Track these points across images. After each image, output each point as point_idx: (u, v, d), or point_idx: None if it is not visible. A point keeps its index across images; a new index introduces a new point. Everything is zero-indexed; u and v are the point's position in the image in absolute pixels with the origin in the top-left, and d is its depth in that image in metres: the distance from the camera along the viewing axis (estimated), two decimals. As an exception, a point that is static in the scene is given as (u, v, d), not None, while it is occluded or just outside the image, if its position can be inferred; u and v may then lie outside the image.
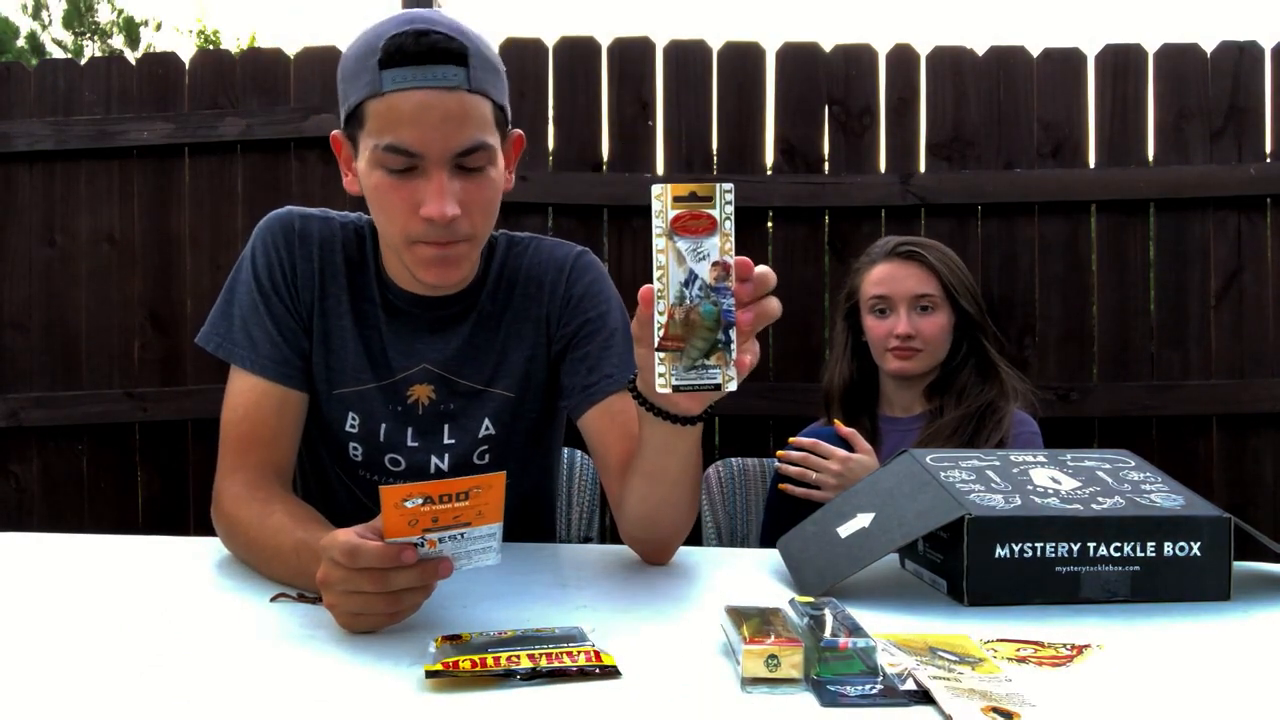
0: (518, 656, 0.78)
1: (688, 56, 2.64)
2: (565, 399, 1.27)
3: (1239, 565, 1.03)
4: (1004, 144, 2.60)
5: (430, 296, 1.25)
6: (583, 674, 0.77)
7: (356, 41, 1.12)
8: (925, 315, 1.86)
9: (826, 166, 2.65)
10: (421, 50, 1.05)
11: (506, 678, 0.76)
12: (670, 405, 0.93)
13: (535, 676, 0.76)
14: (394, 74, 1.06)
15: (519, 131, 1.22)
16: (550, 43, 2.64)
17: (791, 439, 1.75)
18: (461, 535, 0.85)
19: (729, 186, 0.85)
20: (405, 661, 0.80)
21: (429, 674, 0.76)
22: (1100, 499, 1.03)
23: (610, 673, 0.77)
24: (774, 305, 0.87)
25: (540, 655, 0.78)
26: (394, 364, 1.26)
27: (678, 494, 1.08)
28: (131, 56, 2.94)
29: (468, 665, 0.77)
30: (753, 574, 1.13)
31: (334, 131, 1.18)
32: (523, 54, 2.64)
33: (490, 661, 0.77)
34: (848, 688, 0.73)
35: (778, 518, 1.79)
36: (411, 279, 1.22)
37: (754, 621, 0.80)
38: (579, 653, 0.79)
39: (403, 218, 1.11)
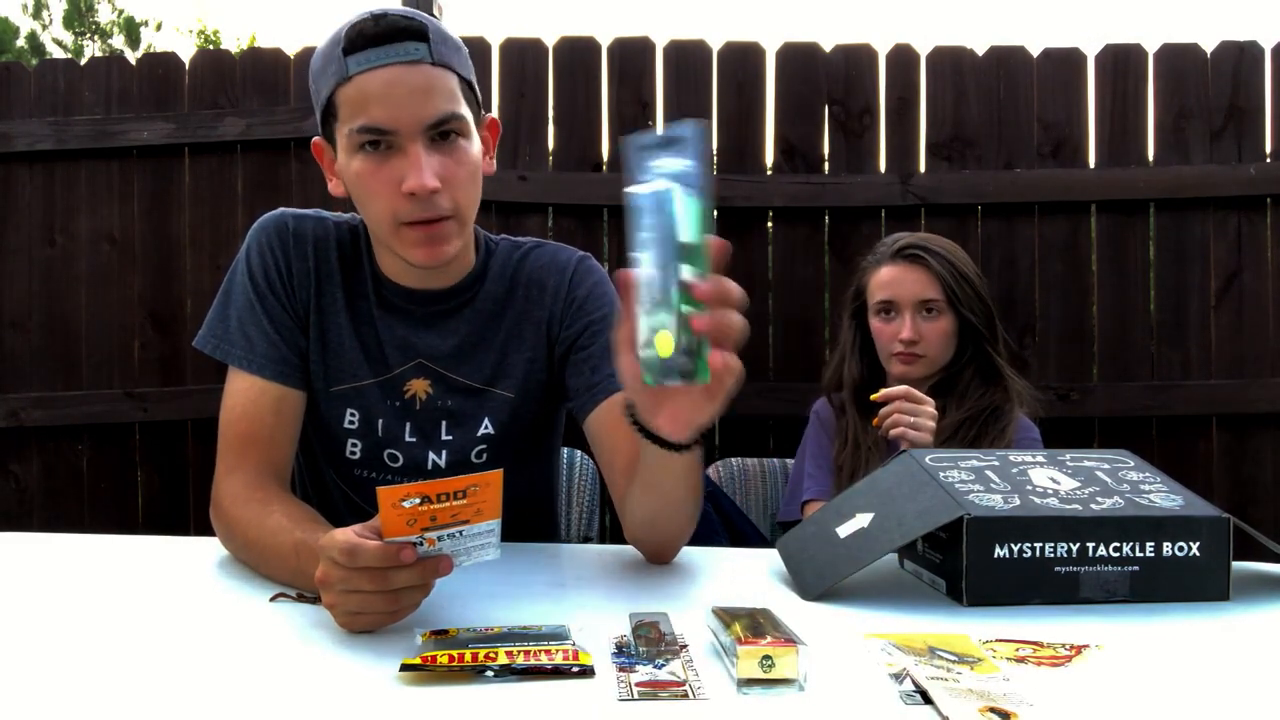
0: (495, 653, 0.78)
1: (688, 56, 2.64)
2: (570, 400, 1.27)
3: (1238, 565, 1.03)
4: (1004, 144, 2.60)
5: (424, 291, 1.26)
6: (557, 672, 0.77)
7: (322, 44, 1.16)
8: (930, 319, 1.86)
9: (826, 166, 2.65)
10: (381, 31, 1.10)
11: (479, 673, 0.76)
12: (658, 430, 0.93)
13: (509, 673, 0.76)
14: (358, 58, 1.10)
15: (493, 116, 1.25)
16: (550, 43, 2.64)
17: (876, 396, 1.69)
18: (460, 533, 0.85)
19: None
20: (393, 657, 0.80)
21: (404, 668, 0.76)
22: (1099, 499, 1.03)
23: (586, 672, 0.77)
24: (735, 320, 0.82)
25: (518, 652, 0.78)
26: (390, 360, 1.26)
27: (674, 507, 1.10)
28: (131, 56, 2.94)
29: (444, 660, 0.77)
30: (752, 574, 1.13)
31: (315, 138, 1.21)
32: (523, 54, 2.64)
33: (468, 657, 0.77)
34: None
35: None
36: (405, 272, 1.23)
37: (743, 621, 0.80)
38: (557, 650, 0.79)
39: (387, 198, 1.13)
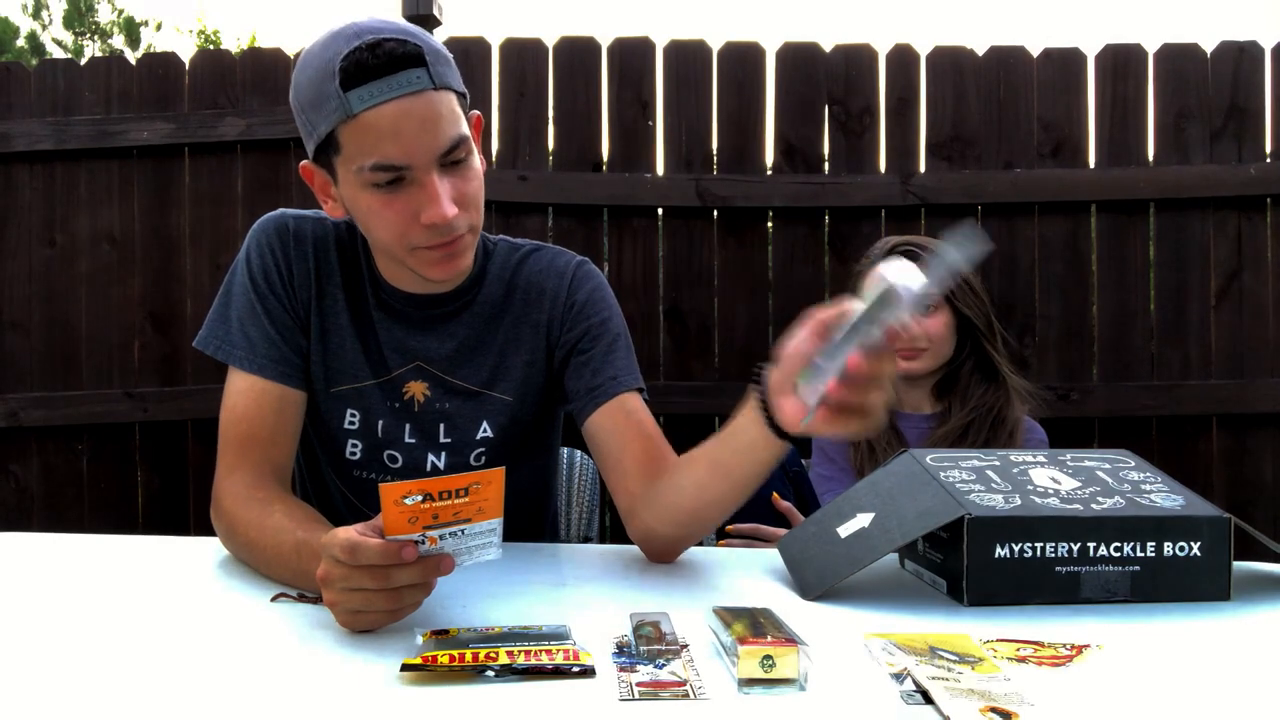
0: (496, 653, 0.78)
1: (688, 56, 2.64)
2: (571, 402, 1.27)
3: (1239, 565, 1.03)
4: (1004, 144, 2.60)
5: (422, 295, 1.26)
6: (558, 672, 0.77)
7: (305, 68, 1.10)
8: (928, 314, 1.86)
9: (826, 166, 2.65)
10: (381, 62, 1.04)
11: (480, 673, 0.76)
12: (777, 411, 0.93)
13: (510, 673, 0.76)
14: (360, 93, 1.05)
15: (476, 113, 1.22)
16: (550, 43, 2.64)
17: (730, 528, 1.71)
18: (462, 531, 0.85)
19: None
20: (394, 656, 0.80)
21: (405, 667, 0.76)
22: (1100, 499, 1.03)
23: (587, 672, 0.77)
24: (876, 405, 0.88)
25: (519, 652, 0.78)
26: (389, 361, 1.26)
27: (737, 494, 1.09)
28: (131, 56, 2.94)
29: (445, 660, 0.77)
30: (753, 574, 1.13)
31: (303, 163, 1.18)
32: (523, 54, 2.63)
33: (468, 657, 0.77)
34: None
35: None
36: (404, 278, 1.23)
37: (744, 621, 0.80)
38: (558, 651, 0.79)
39: (402, 229, 1.11)
